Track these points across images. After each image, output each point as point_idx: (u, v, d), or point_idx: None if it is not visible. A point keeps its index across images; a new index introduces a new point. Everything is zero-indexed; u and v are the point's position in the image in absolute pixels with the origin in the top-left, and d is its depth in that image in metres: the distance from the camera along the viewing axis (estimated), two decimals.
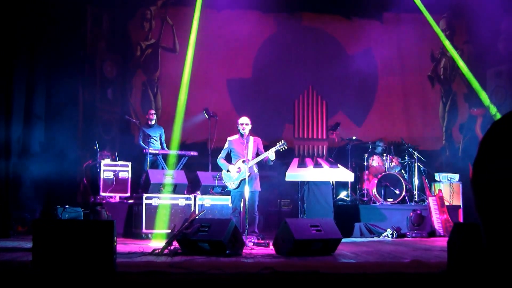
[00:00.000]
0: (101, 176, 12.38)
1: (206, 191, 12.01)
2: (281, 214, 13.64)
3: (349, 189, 13.68)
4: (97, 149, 12.93)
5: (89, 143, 13.79)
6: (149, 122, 13.52)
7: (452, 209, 13.04)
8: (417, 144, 14.46)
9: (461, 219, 13.22)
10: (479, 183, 2.15)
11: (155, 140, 13.42)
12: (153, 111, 13.68)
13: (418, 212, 12.58)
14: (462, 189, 13.63)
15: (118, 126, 15.35)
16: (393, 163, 13.72)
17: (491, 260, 2.21)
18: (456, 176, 13.82)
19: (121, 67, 15.66)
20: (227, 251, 8.19)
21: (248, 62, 16.14)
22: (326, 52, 16.31)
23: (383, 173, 13.39)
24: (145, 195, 11.37)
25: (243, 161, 10.15)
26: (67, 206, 11.66)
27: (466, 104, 16.21)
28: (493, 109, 13.53)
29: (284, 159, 12.82)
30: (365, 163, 13.86)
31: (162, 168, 12.87)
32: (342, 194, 13.84)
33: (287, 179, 12.32)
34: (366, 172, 13.80)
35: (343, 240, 9.06)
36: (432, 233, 12.44)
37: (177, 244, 8.56)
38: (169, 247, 8.39)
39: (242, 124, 10.36)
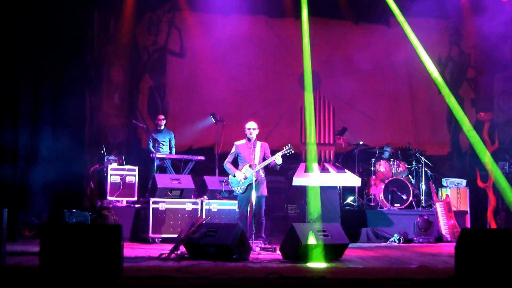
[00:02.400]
0: (108, 180, 12.39)
1: (213, 195, 12.01)
2: (288, 219, 13.62)
3: (356, 194, 13.65)
4: (104, 154, 12.95)
5: (96, 147, 13.81)
6: (158, 127, 13.50)
7: (459, 215, 13.02)
8: (424, 149, 14.44)
9: (468, 225, 13.20)
10: None
11: (164, 145, 13.42)
12: (162, 117, 13.63)
13: (425, 217, 12.55)
14: (469, 194, 13.60)
15: (125, 130, 15.35)
16: (400, 168, 13.70)
17: None
18: (463, 181, 13.79)
19: (128, 71, 15.67)
20: (234, 256, 8.19)
21: (256, 66, 16.13)
22: (333, 57, 16.30)
23: (390, 178, 13.36)
24: (152, 200, 11.38)
25: (250, 166, 10.15)
26: (74, 210, 11.69)
27: (473, 109, 16.17)
28: None
29: (291, 163, 12.82)
30: (372, 168, 13.84)
31: (170, 173, 12.88)
32: (349, 199, 13.82)
33: (294, 184, 12.31)
34: (373, 177, 13.78)
35: (350, 245, 9.05)
36: (439, 238, 12.41)
37: (184, 249, 8.57)
38: (176, 252, 8.39)
39: (249, 129, 10.34)
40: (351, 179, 12.51)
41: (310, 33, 16.32)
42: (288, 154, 10.16)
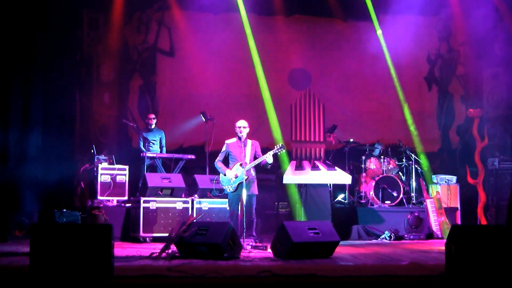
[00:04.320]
0: (99, 180, 12.37)
1: (204, 194, 12.01)
2: (279, 217, 13.63)
3: (346, 192, 13.68)
4: (95, 153, 12.92)
5: (87, 147, 13.78)
6: (149, 126, 13.50)
7: (450, 211, 13.05)
8: (414, 146, 14.46)
9: (458, 221, 13.23)
10: None
11: (154, 144, 13.42)
12: (152, 116, 13.64)
13: (416, 214, 12.58)
14: (460, 191, 13.63)
15: (116, 130, 15.32)
16: (391, 165, 13.73)
17: None
18: (453, 178, 13.82)
19: (118, 71, 15.63)
20: (225, 254, 8.19)
21: (245, 65, 16.12)
22: (322, 55, 16.31)
23: (381, 176, 13.39)
24: (142, 199, 11.36)
25: (241, 164, 10.15)
26: (64, 210, 11.67)
27: (462, 105, 16.21)
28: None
29: (281, 162, 12.83)
30: (363, 166, 13.87)
31: (160, 172, 12.86)
32: (340, 197, 13.85)
33: (284, 182, 12.32)
34: (364, 174, 13.81)
35: (341, 242, 9.06)
36: (430, 235, 12.44)
37: (175, 248, 8.56)
38: (167, 251, 8.38)
39: (239, 127, 10.34)
40: (341, 177, 12.53)
41: (299, 31, 16.38)
42: (279, 153, 10.17)
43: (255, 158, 10.28)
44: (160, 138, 13.57)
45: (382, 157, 13.81)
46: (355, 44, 16.18)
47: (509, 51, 14.36)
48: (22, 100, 12.75)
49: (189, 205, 11.65)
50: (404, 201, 13.32)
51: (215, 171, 10.96)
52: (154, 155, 12.97)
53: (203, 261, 7.88)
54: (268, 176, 13.91)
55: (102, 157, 12.81)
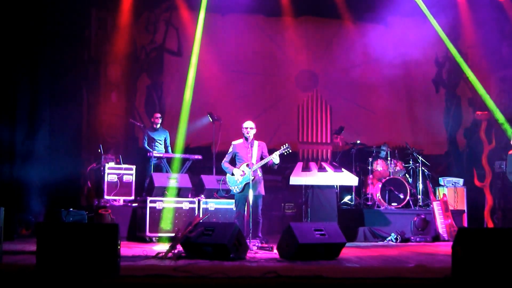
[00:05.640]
0: (106, 179, 12.39)
1: (210, 194, 12.01)
2: (285, 218, 13.62)
3: (353, 193, 13.66)
4: (102, 152, 12.93)
5: (94, 146, 13.80)
6: (154, 126, 13.51)
7: (457, 214, 13.02)
8: (422, 149, 14.42)
9: (465, 224, 13.20)
10: None
11: (160, 143, 13.43)
12: (158, 115, 13.65)
13: (422, 216, 12.55)
14: (467, 193, 13.60)
15: (123, 129, 15.33)
16: (397, 168, 13.70)
17: None
18: (460, 181, 13.79)
19: (125, 70, 15.63)
20: (231, 255, 8.18)
21: (253, 66, 16.13)
22: (330, 56, 16.29)
23: (387, 178, 13.36)
24: (149, 199, 11.37)
25: (247, 165, 10.14)
26: (71, 209, 11.68)
27: (470, 108, 16.17)
28: (501, 117, 13.42)
29: (288, 163, 12.81)
30: (369, 167, 13.84)
31: (166, 172, 12.87)
32: (346, 198, 13.83)
33: (291, 183, 12.30)
34: (370, 176, 13.78)
35: (347, 244, 9.04)
36: (436, 237, 12.40)
37: (181, 248, 8.57)
38: (173, 251, 8.39)
39: (246, 128, 10.33)
40: (348, 178, 12.50)
41: (307, 32, 16.35)
42: (285, 153, 10.14)
43: (261, 158, 10.28)
44: (165, 138, 13.59)
45: (389, 159, 13.78)
46: (363, 45, 16.15)
47: None
48: (29, 98, 12.76)
49: (196, 205, 11.66)
50: (411, 203, 13.30)
51: (221, 172, 10.96)
52: (161, 155, 12.98)
53: (209, 261, 7.89)
54: (275, 177, 13.91)
55: (109, 156, 12.84)
